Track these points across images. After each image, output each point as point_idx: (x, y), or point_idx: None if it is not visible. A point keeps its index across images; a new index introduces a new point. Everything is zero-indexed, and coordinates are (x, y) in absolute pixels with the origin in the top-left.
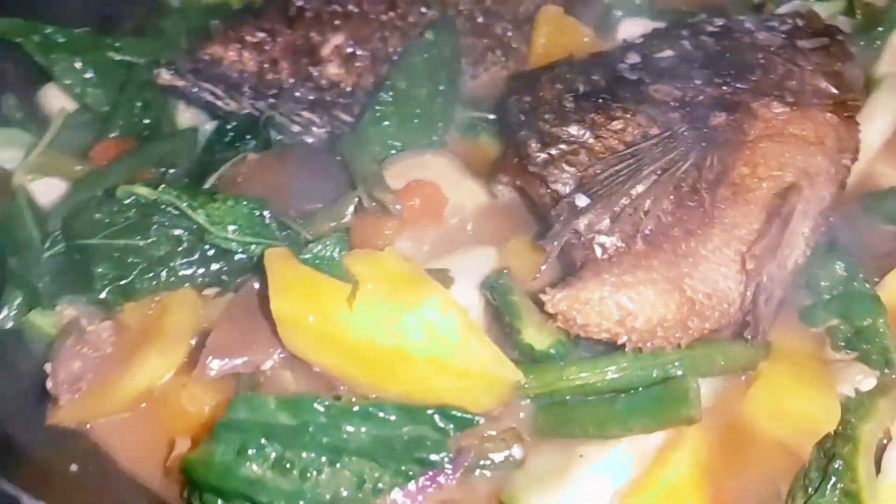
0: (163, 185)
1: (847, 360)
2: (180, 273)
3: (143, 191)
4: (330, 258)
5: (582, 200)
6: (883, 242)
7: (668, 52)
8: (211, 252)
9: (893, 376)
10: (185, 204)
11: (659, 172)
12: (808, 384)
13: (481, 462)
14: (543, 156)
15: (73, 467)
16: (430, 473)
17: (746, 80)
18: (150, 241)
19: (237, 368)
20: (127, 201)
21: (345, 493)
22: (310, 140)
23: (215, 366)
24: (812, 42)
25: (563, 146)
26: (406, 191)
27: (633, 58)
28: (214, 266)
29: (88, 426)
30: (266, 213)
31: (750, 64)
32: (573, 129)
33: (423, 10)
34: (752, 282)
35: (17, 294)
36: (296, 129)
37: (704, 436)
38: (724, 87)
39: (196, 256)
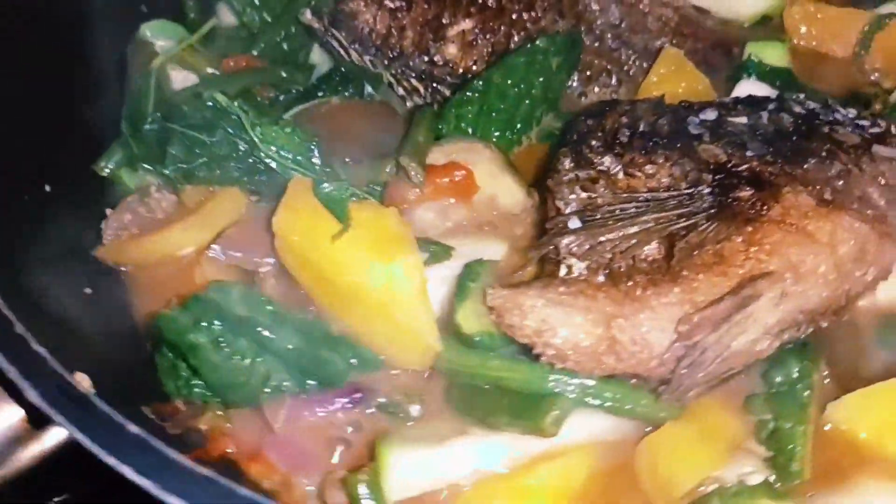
0: (239, 100)
1: (757, 452)
2: (231, 174)
3: (220, 98)
4: (338, 199)
5: (574, 223)
6: (867, 365)
7: (743, 119)
8: (260, 165)
9: (789, 484)
10: (248, 119)
11: (660, 222)
12: (699, 457)
13: (381, 406)
14: (569, 175)
15: (87, 290)
16: (327, 395)
17: (797, 165)
18: (214, 139)
19: (237, 261)
20: (209, 103)
21: (253, 382)
22: (408, 105)
23: (220, 253)
24: (891, 151)
25: (590, 171)
26: (440, 168)
27: (709, 114)
28: (258, 177)
29: (123, 269)
30: (315, 149)
31: (811, 152)
32: (608, 160)
33: (558, 18)
34: (678, 342)
35: (118, 151)
36: (400, 91)
37: (587, 464)
38: (770, 166)
39: (246, 164)
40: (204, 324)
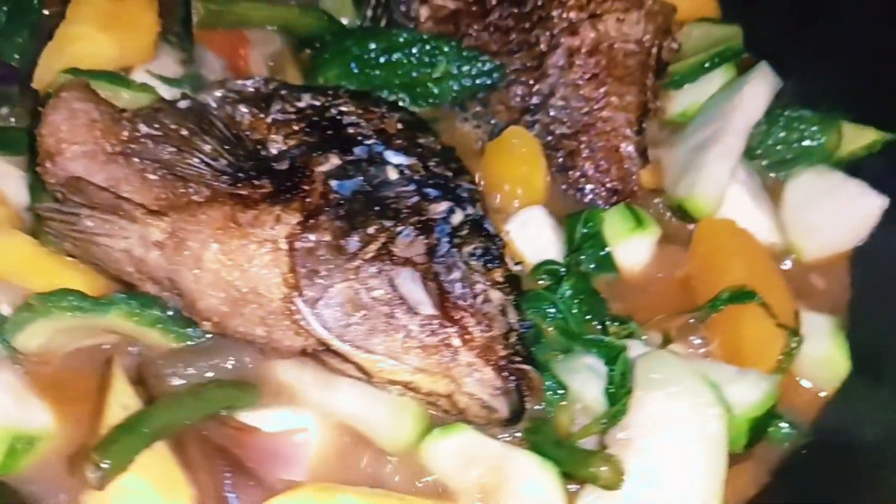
0: None
1: None
2: None
3: None
4: None
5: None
6: None
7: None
8: None
9: None
10: None
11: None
12: None
13: None
14: (222, 92)
15: None
16: None
17: (287, 204)
18: None
19: None
20: None
21: None
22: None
23: None
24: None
25: (256, 102)
26: (227, 32)
27: (402, 158)
28: None
29: None
30: None
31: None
32: (276, 108)
33: (516, 50)
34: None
35: None
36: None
37: None
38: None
39: None
40: None
